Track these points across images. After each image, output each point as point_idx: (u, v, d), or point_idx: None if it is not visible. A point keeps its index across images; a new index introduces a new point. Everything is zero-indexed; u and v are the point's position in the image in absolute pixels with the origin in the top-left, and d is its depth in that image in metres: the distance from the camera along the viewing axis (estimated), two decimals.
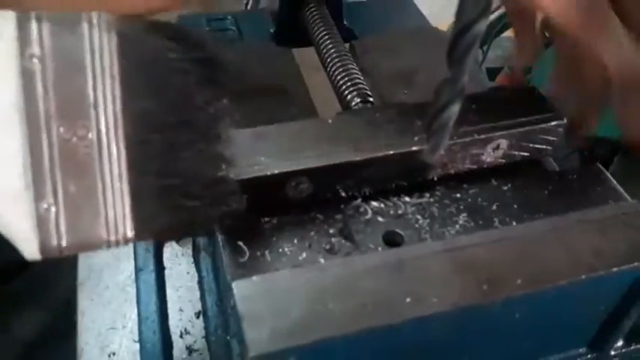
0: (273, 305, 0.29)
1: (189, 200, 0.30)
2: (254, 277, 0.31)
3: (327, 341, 0.29)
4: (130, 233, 0.29)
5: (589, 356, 0.39)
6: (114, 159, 0.29)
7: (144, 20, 0.30)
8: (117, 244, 0.30)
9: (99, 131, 0.28)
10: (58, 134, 0.28)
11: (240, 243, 0.37)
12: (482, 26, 0.26)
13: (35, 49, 0.27)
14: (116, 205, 0.29)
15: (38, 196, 0.27)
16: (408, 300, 0.30)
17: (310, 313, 0.29)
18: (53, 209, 0.28)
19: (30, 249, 0.28)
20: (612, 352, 0.40)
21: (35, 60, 0.27)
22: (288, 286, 0.30)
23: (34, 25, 0.27)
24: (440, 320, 0.31)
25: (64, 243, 0.28)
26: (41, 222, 0.28)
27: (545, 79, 1.07)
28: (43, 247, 0.28)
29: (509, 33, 1.72)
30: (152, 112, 0.29)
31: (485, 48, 1.69)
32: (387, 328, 0.30)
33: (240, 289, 0.30)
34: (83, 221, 0.29)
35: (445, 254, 0.32)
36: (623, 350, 0.40)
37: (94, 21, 0.28)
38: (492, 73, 1.82)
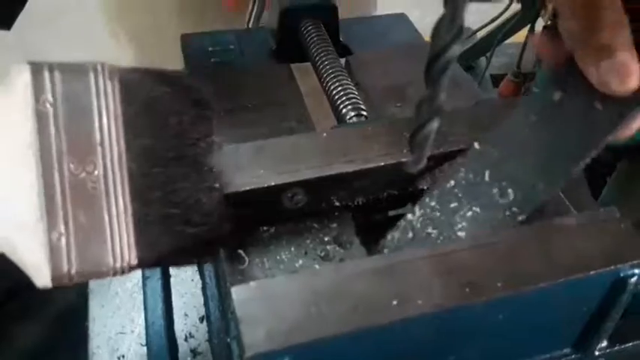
0: (270, 308, 0.32)
1: (188, 227, 0.33)
2: (251, 283, 0.33)
3: (319, 341, 0.31)
4: (134, 260, 0.32)
5: (573, 356, 0.41)
6: (119, 192, 0.32)
7: (142, 68, 0.33)
8: (122, 271, 0.32)
9: (105, 167, 0.31)
10: (69, 170, 0.31)
11: (240, 251, 0.40)
12: (456, 49, 0.28)
13: (48, 94, 0.30)
14: (122, 234, 0.32)
15: (51, 227, 0.30)
16: (395, 302, 0.32)
17: (304, 315, 0.31)
18: (64, 239, 0.30)
19: (42, 277, 0.31)
20: (597, 353, 0.41)
21: (48, 105, 0.30)
22: (283, 291, 0.33)
23: (46, 74, 0.30)
24: (425, 321, 0.33)
25: (73, 271, 0.31)
26: (53, 251, 0.30)
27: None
28: (55, 275, 0.31)
29: (511, 40, 1.74)
30: (152, 149, 0.32)
31: (488, 55, 1.71)
32: (375, 328, 0.32)
33: (239, 293, 0.32)
34: (92, 250, 0.31)
35: (430, 259, 0.34)
36: (608, 350, 0.41)
37: (99, 69, 0.31)
38: (496, 79, 1.83)
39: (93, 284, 0.46)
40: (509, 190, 0.39)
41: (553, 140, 0.39)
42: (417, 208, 0.41)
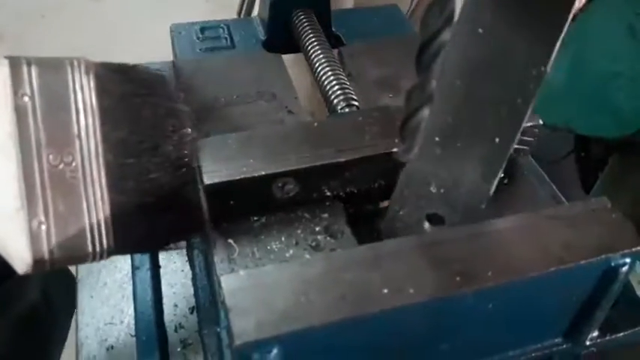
0: (259, 297, 0.31)
1: (162, 214, 0.35)
2: (241, 272, 0.33)
3: (308, 330, 0.31)
4: (111, 246, 0.33)
5: (564, 346, 0.41)
6: (96, 181, 0.33)
7: (117, 64, 0.34)
8: (101, 256, 0.34)
9: (83, 157, 0.32)
10: (48, 161, 0.32)
11: (231, 241, 0.40)
12: (446, 36, 0.28)
13: (26, 88, 0.31)
14: (99, 221, 0.33)
15: (31, 215, 0.31)
16: (386, 291, 0.32)
17: (293, 304, 0.31)
18: (44, 227, 0.32)
19: (23, 263, 0.32)
20: (588, 342, 0.41)
21: (26, 98, 0.31)
22: (273, 280, 0.32)
23: (24, 68, 0.31)
24: (416, 310, 0.32)
25: (54, 257, 0.32)
26: (34, 238, 0.31)
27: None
28: (36, 260, 0.32)
29: None
30: (127, 141, 0.34)
31: None
32: (365, 317, 0.31)
33: (229, 283, 0.32)
34: (71, 237, 0.32)
35: (421, 249, 0.34)
36: (599, 340, 0.42)
37: (75, 64, 0.32)
38: None
39: (82, 274, 0.46)
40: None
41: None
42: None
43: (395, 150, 0.40)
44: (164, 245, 0.38)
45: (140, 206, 0.34)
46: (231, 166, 0.39)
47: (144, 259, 0.44)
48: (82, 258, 0.33)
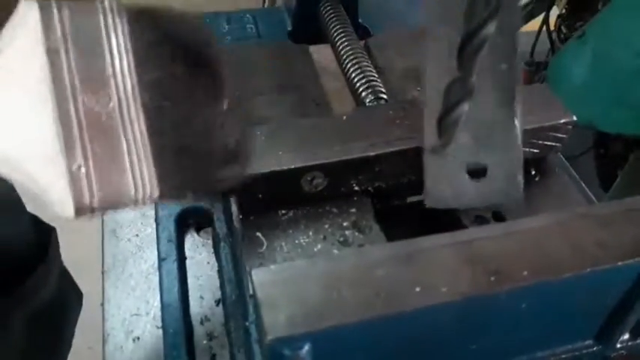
0: (291, 292, 0.31)
1: (201, 159, 0.34)
2: (272, 266, 0.32)
3: (341, 327, 0.30)
4: (155, 191, 0.32)
5: (595, 348, 0.40)
6: (135, 123, 0.32)
7: (151, 6, 0.33)
8: (143, 201, 0.33)
9: (119, 99, 0.32)
10: (84, 103, 0.31)
11: (259, 234, 0.39)
12: (491, 28, 0.27)
13: (58, 31, 0.30)
14: (141, 164, 0.32)
15: (70, 159, 0.31)
16: (418, 289, 0.31)
17: (325, 300, 0.31)
18: (84, 170, 0.31)
19: (66, 208, 0.31)
20: (618, 345, 0.41)
21: (58, 41, 0.30)
22: (304, 275, 0.32)
23: (55, 12, 0.30)
24: (448, 309, 0.32)
25: (95, 201, 0.31)
26: (74, 181, 0.31)
27: (563, 74, 1.06)
28: (77, 205, 0.31)
29: (525, 28, 1.71)
30: (164, 83, 0.32)
31: None
32: (397, 315, 0.31)
33: (259, 277, 0.32)
34: (112, 180, 0.32)
35: (454, 246, 0.33)
36: (630, 343, 0.41)
37: (107, 6, 0.32)
38: None
39: (108, 265, 0.46)
40: None
41: None
42: None
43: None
44: (208, 191, 0.36)
45: (182, 149, 0.33)
46: (261, 159, 0.39)
47: (170, 250, 0.44)
48: (124, 203, 0.32)
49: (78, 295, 0.73)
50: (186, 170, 0.33)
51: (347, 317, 0.30)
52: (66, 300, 0.70)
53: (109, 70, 0.32)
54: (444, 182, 0.38)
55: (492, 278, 0.32)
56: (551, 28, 1.46)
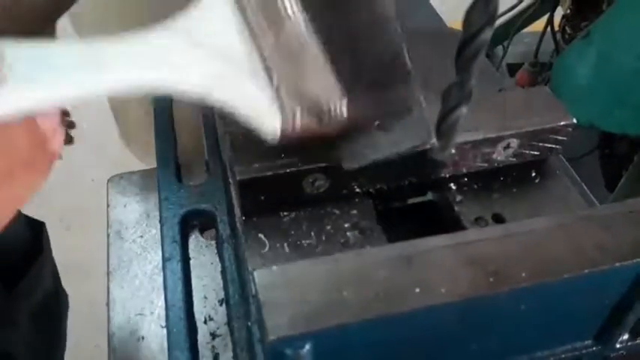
0: (292, 293, 0.32)
1: (383, 90, 0.37)
2: (274, 267, 0.33)
3: (342, 327, 0.31)
4: (344, 110, 0.36)
5: (594, 349, 0.41)
6: (319, 52, 0.35)
7: None
8: (336, 120, 0.36)
9: (298, 34, 0.34)
10: (268, 36, 0.34)
11: (261, 235, 0.40)
12: (488, 34, 0.28)
13: None
14: (330, 88, 0.35)
15: (271, 81, 0.34)
16: (418, 290, 0.32)
17: (326, 301, 0.31)
18: (284, 89, 0.34)
19: (273, 128, 0.34)
20: (618, 345, 0.41)
21: None
22: (305, 276, 0.32)
23: None
24: (447, 310, 0.32)
25: (297, 121, 0.35)
26: (280, 106, 0.34)
27: (567, 74, 1.05)
28: (283, 127, 0.34)
29: (529, 29, 1.71)
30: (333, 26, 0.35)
31: (506, 44, 1.69)
32: (397, 316, 0.32)
33: (261, 277, 0.32)
34: (308, 102, 0.35)
35: (454, 248, 0.34)
36: (629, 344, 0.41)
37: None
38: (513, 69, 1.81)
39: (113, 266, 0.47)
40: None
41: None
42: None
43: (427, 147, 0.41)
44: (391, 114, 0.38)
45: (369, 80, 0.36)
46: (263, 161, 0.39)
47: (174, 251, 0.45)
48: (321, 128, 0.35)
49: (65, 293, 0.74)
50: (371, 100, 0.36)
51: (347, 318, 0.31)
52: (59, 295, 0.71)
53: (282, 11, 0.34)
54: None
55: (491, 279, 0.33)
56: (556, 28, 1.46)
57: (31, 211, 0.61)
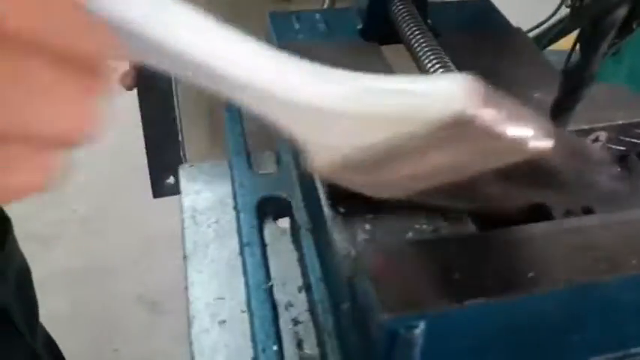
0: (404, 273, 0.31)
1: None
2: (381, 246, 0.32)
3: (456, 309, 0.30)
4: None
5: None
6: None
7: None
8: None
9: None
10: None
11: (350, 221, 0.39)
12: (622, 12, 0.27)
13: None
14: None
15: None
16: (531, 274, 0.31)
17: (438, 282, 0.31)
18: None
19: None
20: None
21: None
22: (415, 256, 0.32)
23: None
24: (557, 295, 0.32)
25: None
26: None
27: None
28: None
29: (554, 47, 1.71)
30: None
31: None
32: (509, 300, 0.31)
33: (368, 257, 0.32)
34: None
35: (565, 234, 0.33)
36: None
37: None
38: None
39: (189, 250, 0.46)
40: None
41: None
42: None
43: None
44: None
45: None
46: None
47: (253, 236, 0.45)
48: None
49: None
50: None
51: (462, 299, 0.30)
52: (28, 270, 0.73)
53: None
54: None
55: (602, 266, 0.32)
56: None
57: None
